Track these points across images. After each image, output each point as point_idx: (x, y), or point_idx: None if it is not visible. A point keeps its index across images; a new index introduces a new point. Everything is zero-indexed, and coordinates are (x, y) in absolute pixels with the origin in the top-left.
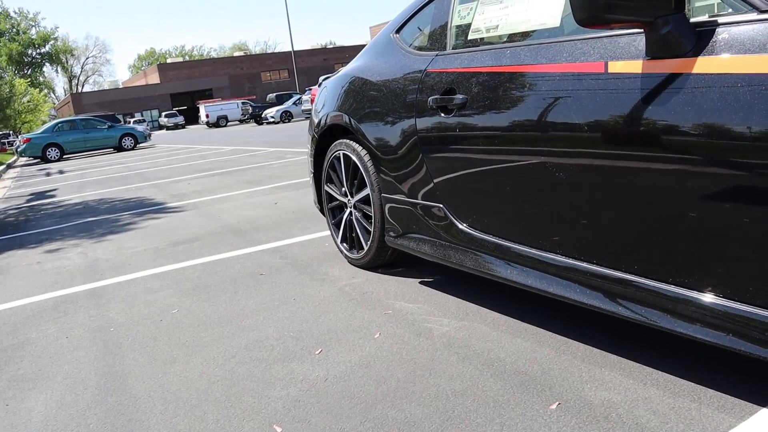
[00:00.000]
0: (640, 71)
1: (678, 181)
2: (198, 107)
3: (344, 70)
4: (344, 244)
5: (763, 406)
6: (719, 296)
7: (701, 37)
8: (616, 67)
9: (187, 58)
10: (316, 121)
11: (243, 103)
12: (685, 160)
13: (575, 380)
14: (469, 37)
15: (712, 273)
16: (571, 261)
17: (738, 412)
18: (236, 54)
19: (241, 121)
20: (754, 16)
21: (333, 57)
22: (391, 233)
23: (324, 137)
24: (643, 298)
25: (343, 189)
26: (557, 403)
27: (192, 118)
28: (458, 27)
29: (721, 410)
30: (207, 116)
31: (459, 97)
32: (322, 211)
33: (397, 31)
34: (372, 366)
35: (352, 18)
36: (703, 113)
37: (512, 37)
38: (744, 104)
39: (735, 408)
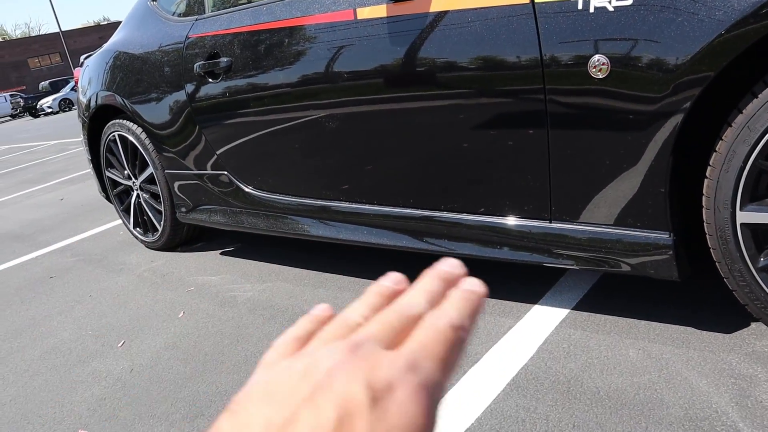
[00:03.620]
0: (385, 15)
1: (441, 115)
2: None
3: (105, 46)
4: (138, 229)
5: (534, 303)
6: (517, 217)
7: None
8: (364, 13)
9: None
10: (84, 103)
11: (12, 95)
12: (445, 96)
13: None
14: None
15: (503, 196)
16: (357, 206)
17: (515, 313)
18: None
19: (14, 116)
20: None
21: (109, 34)
22: (182, 209)
23: (95, 119)
24: (444, 231)
25: (126, 172)
26: None
27: None
28: None
29: (502, 315)
30: None
31: (224, 60)
32: (108, 199)
33: None
34: (179, 346)
35: None
36: (446, 48)
37: None
38: (476, 36)
39: (513, 310)
